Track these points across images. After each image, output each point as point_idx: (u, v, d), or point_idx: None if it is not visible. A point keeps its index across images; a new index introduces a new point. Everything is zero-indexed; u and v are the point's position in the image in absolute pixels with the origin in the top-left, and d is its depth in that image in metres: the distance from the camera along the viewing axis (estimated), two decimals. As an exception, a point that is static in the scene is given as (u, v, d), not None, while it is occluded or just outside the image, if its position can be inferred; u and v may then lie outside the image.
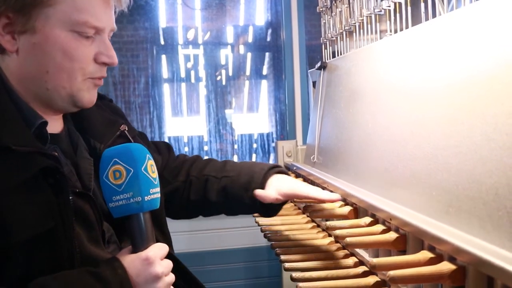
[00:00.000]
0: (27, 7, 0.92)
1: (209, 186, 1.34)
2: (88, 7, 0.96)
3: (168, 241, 1.19)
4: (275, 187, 1.28)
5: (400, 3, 1.31)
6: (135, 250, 0.96)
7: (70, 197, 0.93)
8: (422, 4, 1.19)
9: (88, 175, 1.04)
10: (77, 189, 0.97)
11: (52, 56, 0.95)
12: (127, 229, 0.97)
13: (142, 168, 0.95)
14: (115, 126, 1.14)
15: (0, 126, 0.90)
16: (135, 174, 0.93)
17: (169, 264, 0.98)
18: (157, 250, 0.96)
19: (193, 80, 3.02)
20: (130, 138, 1.15)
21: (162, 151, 1.41)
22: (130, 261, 0.93)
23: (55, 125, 1.04)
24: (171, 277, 0.98)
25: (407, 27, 1.27)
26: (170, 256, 1.01)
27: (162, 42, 2.98)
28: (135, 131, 1.25)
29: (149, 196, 0.95)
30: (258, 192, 1.28)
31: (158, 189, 0.98)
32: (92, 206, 0.99)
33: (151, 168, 0.97)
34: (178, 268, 1.09)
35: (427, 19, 1.17)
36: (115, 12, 1.05)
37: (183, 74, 3.00)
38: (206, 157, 1.47)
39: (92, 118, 1.11)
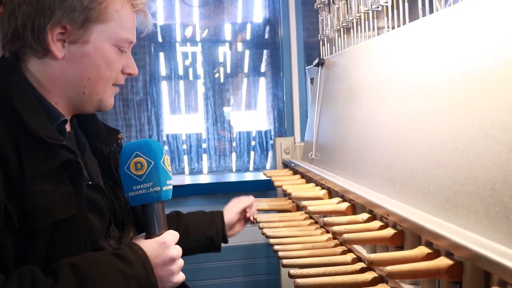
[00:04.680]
0: (87, 22, 1.06)
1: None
2: (129, 26, 1.13)
3: None
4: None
5: (397, -1, 1.31)
6: (149, 236, 1.05)
7: (84, 189, 1.02)
8: (420, 0, 1.19)
9: (96, 172, 1.15)
10: (90, 181, 1.08)
11: (97, 65, 1.08)
12: (143, 217, 1.07)
13: (161, 161, 1.06)
14: (114, 133, 1.27)
15: (33, 119, 0.99)
16: (155, 166, 1.04)
17: (180, 249, 1.08)
18: (172, 235, 1.06)
19: (191, 78, 3.00)
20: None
21: None
22: (149, 244, 1.03)
23: (67, 125, 1.13)
24: (182, 261, 1.08)
25: (404, 24, 1.27)
26: None
27: (160, 40, 2.96)
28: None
29: (166, 186, 1.06)
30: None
31: (172, 181, 1.08)
32: (103, 197, 1.10)
33: (167, 162, 1.08)
34: None
35: (424, 15, 1.17)
36: None
37: (181, 72, 2.99)
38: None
39: (98, 124, 1.24)
